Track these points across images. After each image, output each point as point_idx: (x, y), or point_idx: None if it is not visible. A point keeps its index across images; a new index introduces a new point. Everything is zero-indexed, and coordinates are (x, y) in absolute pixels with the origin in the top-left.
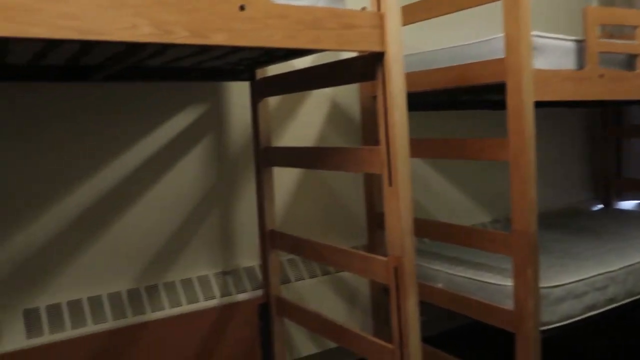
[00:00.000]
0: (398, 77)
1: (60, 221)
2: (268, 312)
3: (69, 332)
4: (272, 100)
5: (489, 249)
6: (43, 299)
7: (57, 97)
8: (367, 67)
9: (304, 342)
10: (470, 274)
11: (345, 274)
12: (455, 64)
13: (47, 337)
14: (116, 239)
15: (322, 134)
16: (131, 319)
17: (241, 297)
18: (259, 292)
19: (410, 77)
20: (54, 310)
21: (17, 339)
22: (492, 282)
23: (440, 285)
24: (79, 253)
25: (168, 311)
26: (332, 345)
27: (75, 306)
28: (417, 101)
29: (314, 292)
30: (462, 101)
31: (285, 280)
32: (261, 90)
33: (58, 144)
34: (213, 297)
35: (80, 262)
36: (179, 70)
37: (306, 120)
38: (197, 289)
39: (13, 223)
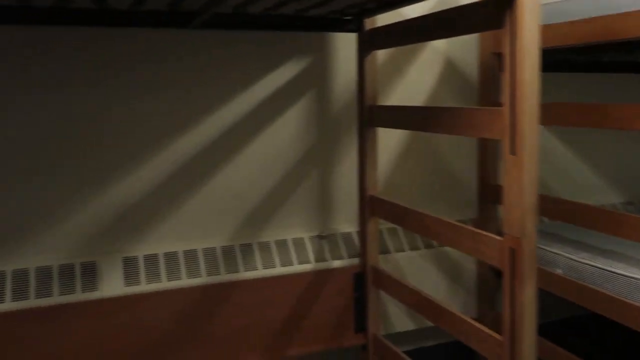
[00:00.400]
0: (531, 26)
1: (160, 173)
2: (364, 282)
3: (164, 284)
4: (380, 55)
5: (623, 236)
6: (141, 248)
7: (155, 44)
8: (494, 14)
9: (400, 316)
10: (598, 262)
11: (449, 249)
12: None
13: (143, 287)
14: (213, 194)
15: (433, 94)
16: (224, 277)
17: (336, 264)
18: (355, 261)
19: (541, 30)
20: (151, 261)
21: (116, 286)
22: (625, 274)
23: (559, 272)
24: (177, 206)
25: (261, 272)
26: (430, 324)
27: (171, 258)
28: (547, 60)
29: (414, 265)
30: (602, 62)
31: (384, 250)
32: (369, 42)
33: (155, 93)
34: (307, 262)
35: (178, 215)
36: (282, 19)
37: (416, 78)
38: (292, 252)
39: (116, 173)
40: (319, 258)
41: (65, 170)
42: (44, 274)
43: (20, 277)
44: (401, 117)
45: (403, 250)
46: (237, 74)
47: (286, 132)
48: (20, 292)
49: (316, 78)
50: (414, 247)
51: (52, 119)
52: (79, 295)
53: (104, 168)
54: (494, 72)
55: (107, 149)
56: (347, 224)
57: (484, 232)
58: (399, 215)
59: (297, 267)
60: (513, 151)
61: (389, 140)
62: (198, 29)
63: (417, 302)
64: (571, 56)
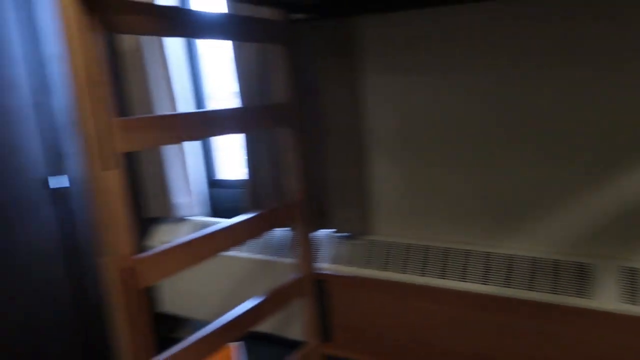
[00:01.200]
0: None
1: None
2: None
3: None
4: None
5: None
6: None
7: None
8: None
9: None
10: None
11: None
12: None
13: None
14: None
15: None
16: None
17: None
18: None
19: None
20: None
21: (609, 298)
22: None
23: None
24: None
25: None
26: None
27: None
28: None
29: None
30: None
31: None
32: None
33: None
34: None
35: None
36: None
37: None
38: None
39: (628, 167)
40: None
41: (573, 161)
42: (530, 265)
43: (506, 262)
44: None
45: None
46: None
47: None
48: (505, 278)
49: None
50: None
51: (555, 98)
52: (565, 298)
53: (616, 161)
54: None
55: (621, 140)
56: None
57: None
58: None
59: None
60: None
61: None
62: None
63: None
64: None
